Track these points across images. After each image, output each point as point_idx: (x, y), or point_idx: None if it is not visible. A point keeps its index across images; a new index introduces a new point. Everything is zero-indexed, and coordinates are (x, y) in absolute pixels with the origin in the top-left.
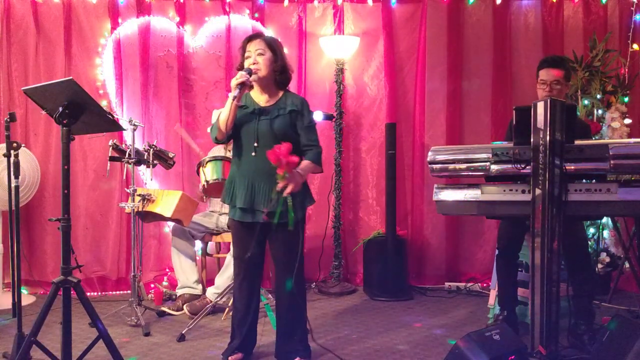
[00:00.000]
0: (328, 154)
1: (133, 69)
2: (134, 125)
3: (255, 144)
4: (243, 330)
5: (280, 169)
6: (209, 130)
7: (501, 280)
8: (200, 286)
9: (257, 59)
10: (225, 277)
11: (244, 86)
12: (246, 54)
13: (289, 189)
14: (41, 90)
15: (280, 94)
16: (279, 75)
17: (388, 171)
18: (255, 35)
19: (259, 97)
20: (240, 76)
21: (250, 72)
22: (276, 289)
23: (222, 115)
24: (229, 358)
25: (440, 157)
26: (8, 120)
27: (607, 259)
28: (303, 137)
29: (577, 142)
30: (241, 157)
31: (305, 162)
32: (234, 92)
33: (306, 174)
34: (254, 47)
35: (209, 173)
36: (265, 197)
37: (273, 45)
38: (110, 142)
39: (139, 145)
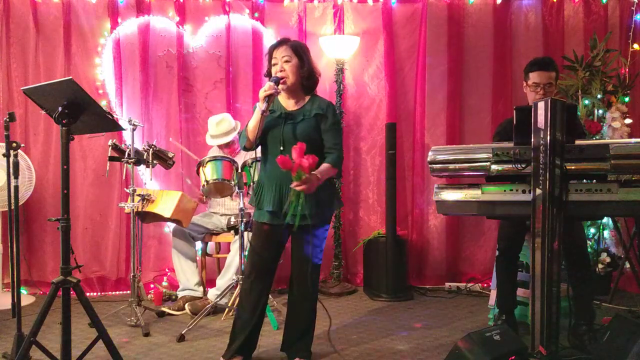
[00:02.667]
0: None
1: (133, 68)
2: (134, 125)
3: (281, 148)
4: (245, 332)
5: (293, 171)
6: (208, 140)
7: (501, 282)
8: (201, 288)
9: (283, 66)
10: (226, 278)
11: (272, 97)
12: (273, 61)
13: (300, 188)
14: (41, 90)
15: (307, 98)
16: (305, 80)
17: (388, 171)
18: (282, 42)
19: (287, 102)
20: (268, 88)
21: (277, 81)
22: (290, 288)
23: (250, 124)
24: None
25: (440, 157)
26: (7, 120)
27: (608, 259)
28: (326, 139)
29: (577, 142)
30: (267, 161)
31: (324, 166)
32: (262, 105)
33: (324, 178)
34: (280, 54)
35: (209, 173)
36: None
37: (299, 51)
38: (109, 142)
39: (139, 145)
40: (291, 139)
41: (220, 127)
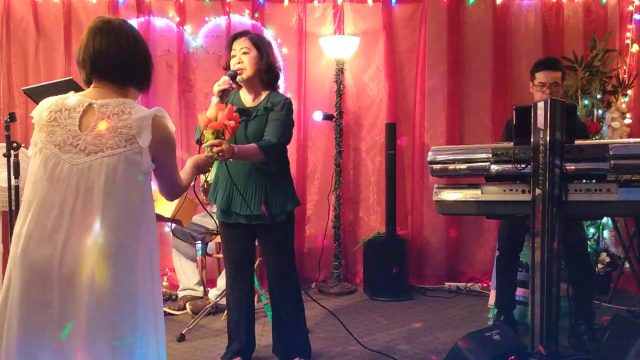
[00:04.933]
0: (328, 154)
1: None
2: None
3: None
4: (240, 333)
5: (213, 125)
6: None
7: (500, 282)
8: (201, 288)
9: (241, 58)
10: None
11: (226, 92)
12: (232, 53)
13: (212, 147)
14: (41, 90)
15: (265, 94)
16: (264, 74)
17: (388, 171)
18: (241, 33)
19: (246, 97)
20: (222, 82)
21: (234, 76)
22: (269, 290)
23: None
24: None
25: (440, 157)
26: (8, 120)
27: (607, 259)
28: (268, 129)
29: (577, 142)
30: None
31: (249, 145)
32: (216, 100)
33: (242, 155)
34: (239, 46)
35: (209, 173)
36: (243, 199)
37: (258, 44)
38: None
39: None
40: (242, 137)
41: None
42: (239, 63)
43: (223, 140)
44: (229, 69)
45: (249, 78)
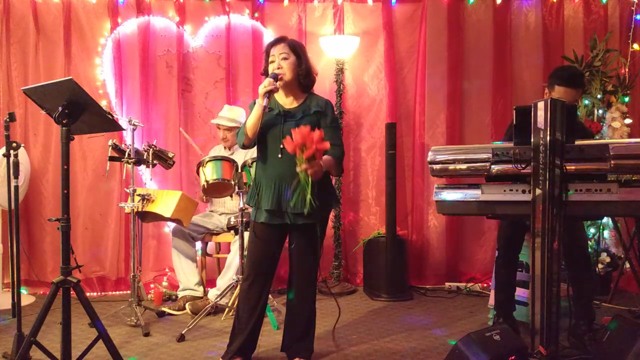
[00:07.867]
0: None
1: (133, 68)
2: (134, 125)
3: (282, 147)
4: (245, 333)
5: (307, 152)
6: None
7: (500, 283)
8: (201, 288)
9: (281, 63)
10: (227, 278)
11: (272, 93)
12: (270, 59)
13: (310, 171)
14: (41, 90)
15: (305, 96)
16: (303, 78)
17: (388, 171)
18: (279, 40)
19: (284, 100)
20: (268, 84)
21: (276, 78)
22: (289, 288)
23: (249, 121)
24: None
25: (440, 157)
26: (7, 120)
27: (608, 259)
28: (327, 136)
29: (577, 142)
30: (267, 160)
31: (327, 157)
32: (263, 102)
33: (326, 168)
34: (278, 52)
35: (209, 173)
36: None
37: (297, 49)
38: (109, 142)
39: (139, 145)
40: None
41: (231, 112)
42: (278, 68)
43: (315, 163)
44: (266, 74)
45: (288, 82)
